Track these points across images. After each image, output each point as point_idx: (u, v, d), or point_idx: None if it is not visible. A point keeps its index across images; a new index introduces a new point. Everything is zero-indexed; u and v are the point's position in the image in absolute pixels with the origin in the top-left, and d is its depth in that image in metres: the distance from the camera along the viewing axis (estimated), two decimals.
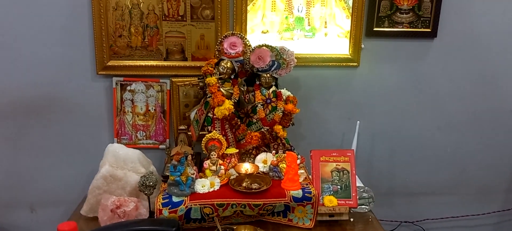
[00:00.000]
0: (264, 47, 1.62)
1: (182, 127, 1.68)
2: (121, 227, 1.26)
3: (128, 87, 1.75)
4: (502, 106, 1.95)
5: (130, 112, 1.78)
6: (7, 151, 1.78)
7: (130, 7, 1.66)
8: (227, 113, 1.56)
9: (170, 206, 1.39)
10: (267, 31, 1.76)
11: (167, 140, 1.82)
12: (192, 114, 1.72)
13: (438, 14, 1.78)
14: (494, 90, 1.92)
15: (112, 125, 1.78)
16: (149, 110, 1.79)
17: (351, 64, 1.81)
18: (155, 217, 1.38)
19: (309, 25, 1.77)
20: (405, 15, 1.78)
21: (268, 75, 1.63)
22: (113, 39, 1.68)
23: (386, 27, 1.79)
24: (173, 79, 1.75)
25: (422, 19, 1.79)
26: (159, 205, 1.39)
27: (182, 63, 1.74)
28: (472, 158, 2.00)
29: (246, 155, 1.68)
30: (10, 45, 1.66)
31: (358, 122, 1.78)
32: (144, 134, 1.81)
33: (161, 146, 1.82)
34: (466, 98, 1.93)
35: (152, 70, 1.73)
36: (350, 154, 1.56)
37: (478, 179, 2.03)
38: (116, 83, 1.73)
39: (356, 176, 1.57)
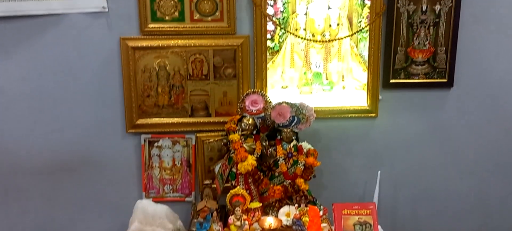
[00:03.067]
0: (284, 104, 1.69)
1: (207, 182, 1.75)
2: None
3: (156, 144, 1.84)
4: None
5: (158, 167, 1.86)
6: (44, 206, 1.87)
7: (157, 69, 1.77)
8: (250, 169, 1.62)
9: None
10: (287, 86, 1.83)
11: (193, 192, 1.88)
12: (217, 168, 1.78)
13: (453, 64, 1.82)
14: None
15: (140, 180, 1.86)
16: (176, 164, 1.86)
17: (370, 115, 1.86)
18: None
19: (327, 80, 1.83)
20: (420, 66, 1.82)
21: (288, 130, 1.70)
22: (141, 99, 1.79)
23: (403, 79, 1.83)
24: (198, 135, 1.83)
25: (437, 70, 1.82)
26: None
27: (206, 119, 1.82)
28: (498, 204, 1.98)
29: (270, 207, 1.72)
30: (48, 108, 1.79)
31: (379, 171, 1.80)
32: (171, 187, 1.88)
33: (187, 199, 1.88)
34: (487, 145, 1.93)
35: (178, 127, 1.82)
36: (371, 207, 1.59)
37: (505, 225, 2.00)
38: (144, 140, 1.83)
39: (379, 228, 1.59)
